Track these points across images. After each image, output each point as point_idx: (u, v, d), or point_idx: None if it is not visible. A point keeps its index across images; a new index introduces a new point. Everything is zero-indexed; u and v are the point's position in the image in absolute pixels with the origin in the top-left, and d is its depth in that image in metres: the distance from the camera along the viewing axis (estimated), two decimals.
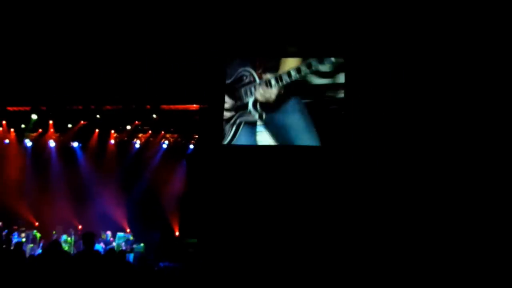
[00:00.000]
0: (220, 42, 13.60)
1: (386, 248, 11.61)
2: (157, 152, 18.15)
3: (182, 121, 17.09)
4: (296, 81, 10.35)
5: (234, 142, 10.94)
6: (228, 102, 10.15)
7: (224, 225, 13.88)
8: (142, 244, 17.04)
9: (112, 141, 18.41)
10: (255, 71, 9.90)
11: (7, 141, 18.89)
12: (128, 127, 17.79)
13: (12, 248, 11.84)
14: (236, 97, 10.02)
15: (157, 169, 18.08)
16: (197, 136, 16.81)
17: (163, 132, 17.84)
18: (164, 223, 17.83)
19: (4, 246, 14.24)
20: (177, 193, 17.37)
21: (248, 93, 9.88)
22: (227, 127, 10.45)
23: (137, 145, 18.30)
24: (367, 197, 12.43)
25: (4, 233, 16.58)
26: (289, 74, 10.32)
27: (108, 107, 17.24)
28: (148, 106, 16.75)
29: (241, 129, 10.06)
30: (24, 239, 17.19)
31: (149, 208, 17.97)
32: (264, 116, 9.98)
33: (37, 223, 19.03)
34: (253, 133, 10.37)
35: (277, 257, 12.04)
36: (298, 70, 10.07)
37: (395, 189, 12.34)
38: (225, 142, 11.01)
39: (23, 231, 17.95)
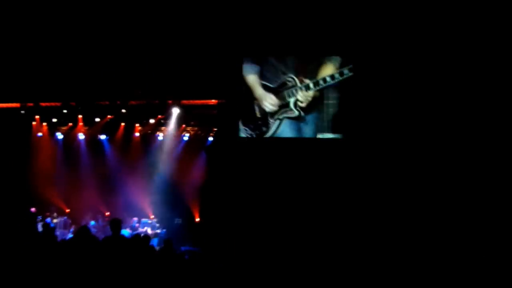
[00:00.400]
0: (236, 41, 14.02)
1: (413, 244, 11.34)
2: (179, 144, 18.76)
3: (201, 115, 17.60)
4: (330, 85, 11.37)
5: (277, 134, 11.93)
6: (274, 100, 11.09)
7: (242, 211, 14.14)
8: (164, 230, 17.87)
9: (137, 134, 18.98)
10: (297, 77, 10.96)
11: (40, 134, 19.47)
12: (152, 120, 18.29)
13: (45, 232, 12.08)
14: (280, 97, 11.04)
15: (178, 160, 18.64)
16: (215, 129, 17.35)
17: (184, 125, 18.38)
18: (185, 210, 18.56)
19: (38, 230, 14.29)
20: (197, 182, 17.82)
21: (290, 94, 10.93)
22: (271, 121, 11.40)
23: (160, 138, 18.80)
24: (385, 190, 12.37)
25: (38, 218, 17.17)
26: (324, 80, 11.34)
27: (133, 102, 17.61)
28: (170, 101, 17.13)
29: (284, 123, 11.07)
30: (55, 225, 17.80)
31: (171, 196, 18.55)
32: (302, 113, 11.04)
33: (67, 210, 19.65)
34: (294, 127, 11.39)
35: (294, 246, 12.00)
36: (332, 77, 11.13)
37: (414, 186, 12.21)
38: (269, 134, 11.82)
39: (55, 217, 18.66)
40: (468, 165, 12.08)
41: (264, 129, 11.27)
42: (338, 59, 11.40)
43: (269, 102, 11.03)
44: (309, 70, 11.62)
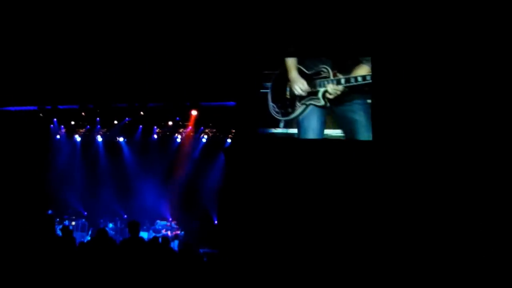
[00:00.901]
0: (254, 44, 14.15)
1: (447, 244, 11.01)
2: (197, 145, 18.77)
3: (219, 117, 17.57)
4: (360, 84, 11.50)
5: (301, 117, 11.99)
6: (304, 86, 11.26)
7: (260, 213, 13.92)
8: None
9: (155, 136, 19.00)
10: (332, 69, 11.16)
11: (58, 136, 19.66)
12: (170, 123, 18.26)
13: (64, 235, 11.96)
14: (311, 84, 11.23)
15: (196, 162, 18.72)
16: (233, 131, 17.28)
17: (202, 127, 18.37)
18: (203, 212, 18.52)
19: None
20: (215, 183, 17.86)
21: (322, 84, 11.12)
22: (298, 104, 11.60)
23: (178, 140, 18.87)
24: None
25: (56, 221, 17.04)
26: (356, 78, 11.48)
27: (151, 104, 17.51)
28: (188, 103, 17.09)
29: (309, 109, 11.29)
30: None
31: (190, 198, 18.64)
32: (328, 105, 11.22)
33: (85, 212, 19.71)
34: (317, 115, 11.59)
35: (314, 249, 11.93)
36: (364, 77, 11.26)
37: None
38: (294, 115, 11.95)
39: (73, 220, 18.78)
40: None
41: (290, 110, 11.54)
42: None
43: (299, 86, 11.30)
44: (346, 66, 11.72)
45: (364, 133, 11.88)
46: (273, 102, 12.48)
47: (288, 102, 11.99)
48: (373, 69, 11.71)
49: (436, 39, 12.10)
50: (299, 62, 11.96)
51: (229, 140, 17.89)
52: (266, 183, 13.85)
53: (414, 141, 12.17)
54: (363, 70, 11.63)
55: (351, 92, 11.69)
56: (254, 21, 13.80)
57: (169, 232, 17.78)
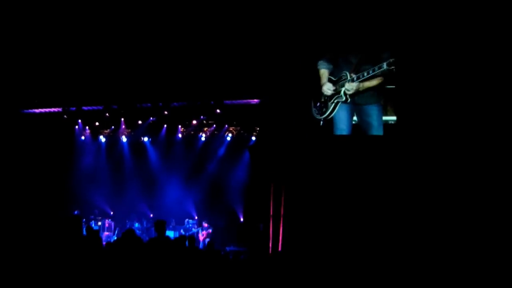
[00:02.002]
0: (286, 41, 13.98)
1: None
2: (222, 144, 18.79)
3: (244, 115, 17.55)
4: (369, 77, 12.40)
5: (334, 113, 13.20)
6: (331, 88, 12.92)
7: (288, 211, 13.84)
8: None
9: (179, 135, 18.99)
10: (349, 73, 12.58)
11: (82, 138, 19.79)
12: (194, 121, 18.27)
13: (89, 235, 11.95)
14: (335, 86, 12.83)
15: (222, 160, 18.74)
16: (258, 129, 17.33)
17: (226, 125, 18.37)
18: (229, 210, 18.53)
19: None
20: (241, 181, 17.96)
21: (342, 85, 12.67)
22: (329, 103, 13.04)
23: (203, 138, 18.85)
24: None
25: (82, 221, 17.39)
26: (362, 74, 12.53)
27: (174, 104, 17.58)
28: (212, 102, 17.01)
29: (339, 106, 12.82)
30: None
31: (215, 196, 18.63)
32: (349, 100, 12.55)
33: (111, 212, 19.89)
34: (344, 108, 12.88)
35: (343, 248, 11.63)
36: (379, 67, 12.18)
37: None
38: (325, 115, 13.18)
39: (99, 220, 19.01)
40: None
41: (324, 109, 13.20)
42: (384, 66, 12.26)
43: (326, 88, 12.98)
44: (362, 69, 12.69)
45: (374, 119, 12.97)
46: (314, 106, 13.65)
47: (322, 104, 13.33)
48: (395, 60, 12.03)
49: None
50: (330, 74, 13.34)
51: (253, 138, 17.82)
52: (293, 180, 13.78)
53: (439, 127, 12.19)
54: (375, 81, 12.71)
55: (364, 87, 12.71)
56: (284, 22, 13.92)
57: (201, 232, 17.81)
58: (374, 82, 12.49)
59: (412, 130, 12.47)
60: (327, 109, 13.05)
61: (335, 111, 13.07)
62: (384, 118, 13.03)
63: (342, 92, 12.76)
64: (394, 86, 12.96)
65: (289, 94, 13.76)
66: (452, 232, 11.08)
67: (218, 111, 17.24)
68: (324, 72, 13.43)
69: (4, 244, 7.22)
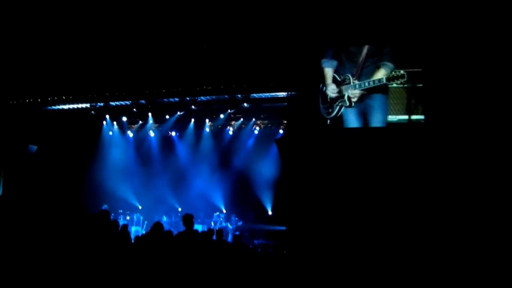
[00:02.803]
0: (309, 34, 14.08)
1: None
2: (249, 137, 18.76)
3: (271, 108, 17.53)
4: (375, 86, 12.00)
5: (338, 115, 12.88)
6: (335, 90, 12.52)
7: (317, 205, 13.94)
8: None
9: (207, 129, 19.04)
10: (352, 77, 12.33)
11: (110, 133, 19.96)
12: (221, 115, 18.26)
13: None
14: (339, 89, 12.42)
15: (249, 154, 18.65)
16: (285, 122, 17.25)
17: (254, 119, 18.36)
18: (258, 203, 18.46)
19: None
20: (269, 175, 17.78)
21: (345, 90, 12.36)
22: (334, 105, 12.69)
23: (230, 132, 18.87)
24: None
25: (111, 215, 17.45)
26: (364, 83, 12.26)
27: (202, 98, 17.54)
28: (239, 96, 17.04)
29: (343, 109, 12.51)
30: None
31: (244, 190, 18.58)
32: (353, 105, 12.26)
33: (140, 207, 19.96)
34: (353, 111, 12.47)
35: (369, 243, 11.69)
36: (379, 80, 11.96)
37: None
38: (333, 115, 12.87)
39: (128, 214, 19.14)
40: None
41: (330, 110, 12.86)
42: (391, 66, 12.27)
43: (330, 91, 12.65)
44: (364, 72, 12.59)
45: (376, 100, 12.72)
46: (322, 104, 13.34)
47: (329, 104, 13.07)
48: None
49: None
50: (335, 71, 13.04)
51: (281, 131, 17.77)
52: (322, 173, 13.73)
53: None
54: (380, 74, 12.36)
55: (369, 93, 12.49)
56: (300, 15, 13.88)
57: (230, 226, 17.81)
58: (379, 75, 12.18)
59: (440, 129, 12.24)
60: (332, 110, 13.01)
61: (341, 112, 12.90)
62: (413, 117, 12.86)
63: (346, 97, 12.61)
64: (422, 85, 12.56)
65: (315, 87, 13.73)
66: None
67: (245, 104, 17.22)
68: (328, 72, 13.20)
69: (34, 238, 7.29)
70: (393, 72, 11.99)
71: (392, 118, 12.92)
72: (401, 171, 12.25)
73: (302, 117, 14.35)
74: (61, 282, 6.54)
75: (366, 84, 12.18)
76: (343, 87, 12.63)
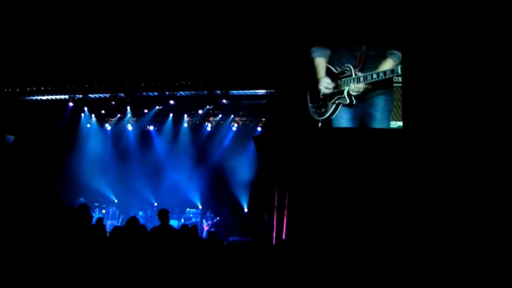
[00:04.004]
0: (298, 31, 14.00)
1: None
2: (227, 134, 18.72)
3: (250, 105, 17.59)
4: (380, 80, 11.40)
5: (334, 116, 12.03)
6: (330, 84, 11.36)
7: (293, 201, 13.70)
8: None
9: (185, 125, 18.97)
10: (354, 68, 11.14)
11: (88, 125, 19.80)
12: (200, 111, 18.23)
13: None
14: (337, 83, 11.26)
15: (227, 150, 18.67)
16: (264, 119, 17.27)
17: (232, 115, 18.32)
18: (234, 200, 18.50)
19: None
20: (246, 172, 17.90)
21: (346, 83, 11.14)
22: (329, 104, 11.67)
23: (208, 128, 18.83)
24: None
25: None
26: (371, 76, 11.44)
27: (181, 93, 17.50)
28: (218, 92, 16.97)
29: (340, 108, 11.31)
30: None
31: (220, 186, 18.61)
32: (354, 102, 11.15)
33: (116, 200, 19.91)
34: (348, 112, 11.66)
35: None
36: (384, 73, 11.19)
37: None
38: (326, 116, 11.94)
39: (103, 208, 19.12)
40: None
41: (323, 110, 11.60)
42: (399, 55, 11.39)
43: (324, 86, 11.29)
44: (368, 61, 11.64)
45: (378, 110, 11.92)
46: (311, 103, 12.55)
47: (321, 102, 12.08)
48: (403, 61, 11.44)
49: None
50: (328, 61, 11.99)
51: (259, 129, 17.78)
52: (298, 172, 13.74)
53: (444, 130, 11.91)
54: (387, 65, 11.50)
55: (374, 89, 11.61)
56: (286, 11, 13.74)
57: (206, 222, 17.84)
58: (386, 66, 11.48)
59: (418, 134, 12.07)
60: (326, 110, 12.06)
61: (336, 113, 12.01)
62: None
63: (345, 93, 11.68)
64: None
65: (295, 85, 13.69)
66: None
67: (224, 101, 17.22)
68: (320, 62, 12.28)
69: (9, 232, 7.24)
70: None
71: (392, 124, 11.96)
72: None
73: (283, 115, 14.32)
74: (35, 273, 6.52)
75: (375, 76, 11.34)
76: (342, 81, 11.76)
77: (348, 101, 11.46)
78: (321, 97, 12.09)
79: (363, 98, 11.73)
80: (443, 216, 11.35)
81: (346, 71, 11.57)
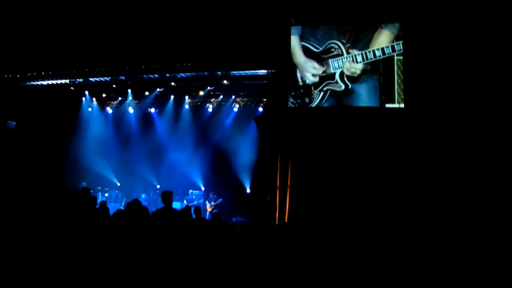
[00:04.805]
0: (287, 9, 14.01)
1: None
2: (229, 115, 18.68)
3: (251, 86, 17.44)
4: (380, 59, 10.79)
5: (322, 105, 11.29)
6: (317, 68, 10.34)
7: (295, 181, 13.89)
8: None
9: (186, 106, 18.93)
10: (344, 45, 10.39)
11: (89, 109, 19.80)
12: (201, 92, 18.21)
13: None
14: (324, 65, 10.49)
15: (229, 131, 18.61)
16: (265, 100, 17.25)
17: (233, 96, 18.24)
18: (236, 180, 18.51)
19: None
20: (248, 152, 17.80)
21: (336, 65, 10.32)
22: (315, 92, 10.70)
23: (210, 109, 18.78)
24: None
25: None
26: (374, 54, 10.74)
27: (182, 74, 17.51)
28: (219, 73, 16.97)
29: (328, 95, 10.51)
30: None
31: (222, 168, 18.66)
32: (350, 87, 10.47)
33: (119, 183, 20.00)
34: (339, 100, 10.81)
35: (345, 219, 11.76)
36: (383, 51, 10.56)
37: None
38: (313, 105, 11.23)
39: (106, 191, 19.25)
40: None
41: (307, 100, 10.71)
42: (396, 26, 10.64)
43: (311, 72, 10.57)
44: (362, 37, 10.80)
45: (363, 87, 11.29)
46: (293, 91, 11.84)
47: (302, 90, 11.22)
48: (403, 34, 10.91)
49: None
50: (302, 39, 11.12)
51: (260, 109, 17.71)
52: (298, 152, 13.74)
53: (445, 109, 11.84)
54: (383, 38, 10.75)
55: (372, 69, 10.95)
56: None
57: (209, 204, 17.81)
58: (383, 39, 10.80)
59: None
60: (311, 99, 11.49)
61: (326, 99, 11.30)
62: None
63: (337, 77, 10.97)
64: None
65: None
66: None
67: (225, 82, 17.20)
68: (295, 42, 11.34)
69: (14, 214, 7.28)
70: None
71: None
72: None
73: (280, 96, 14.24)
74: (39, 258, 6.55)
75: (378, 53, 10.71)
76: (331, 62, 11.14)
77: (343, 87, 10.56)
78: (301, 84, 11.21)
79: (356, 79, 11.12)
80: (449, 204, 11.41)
81: (333, 49, 10.77)
